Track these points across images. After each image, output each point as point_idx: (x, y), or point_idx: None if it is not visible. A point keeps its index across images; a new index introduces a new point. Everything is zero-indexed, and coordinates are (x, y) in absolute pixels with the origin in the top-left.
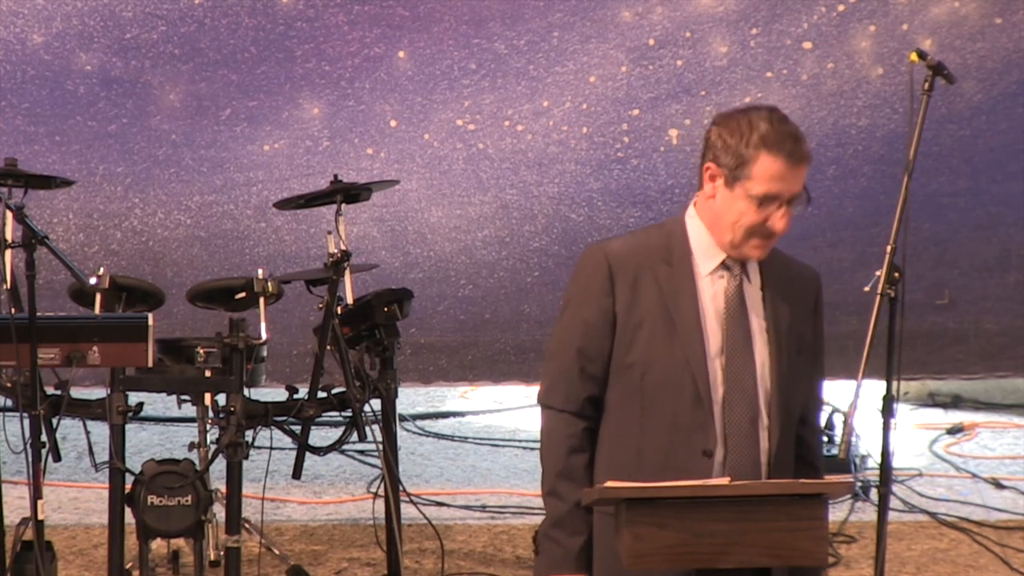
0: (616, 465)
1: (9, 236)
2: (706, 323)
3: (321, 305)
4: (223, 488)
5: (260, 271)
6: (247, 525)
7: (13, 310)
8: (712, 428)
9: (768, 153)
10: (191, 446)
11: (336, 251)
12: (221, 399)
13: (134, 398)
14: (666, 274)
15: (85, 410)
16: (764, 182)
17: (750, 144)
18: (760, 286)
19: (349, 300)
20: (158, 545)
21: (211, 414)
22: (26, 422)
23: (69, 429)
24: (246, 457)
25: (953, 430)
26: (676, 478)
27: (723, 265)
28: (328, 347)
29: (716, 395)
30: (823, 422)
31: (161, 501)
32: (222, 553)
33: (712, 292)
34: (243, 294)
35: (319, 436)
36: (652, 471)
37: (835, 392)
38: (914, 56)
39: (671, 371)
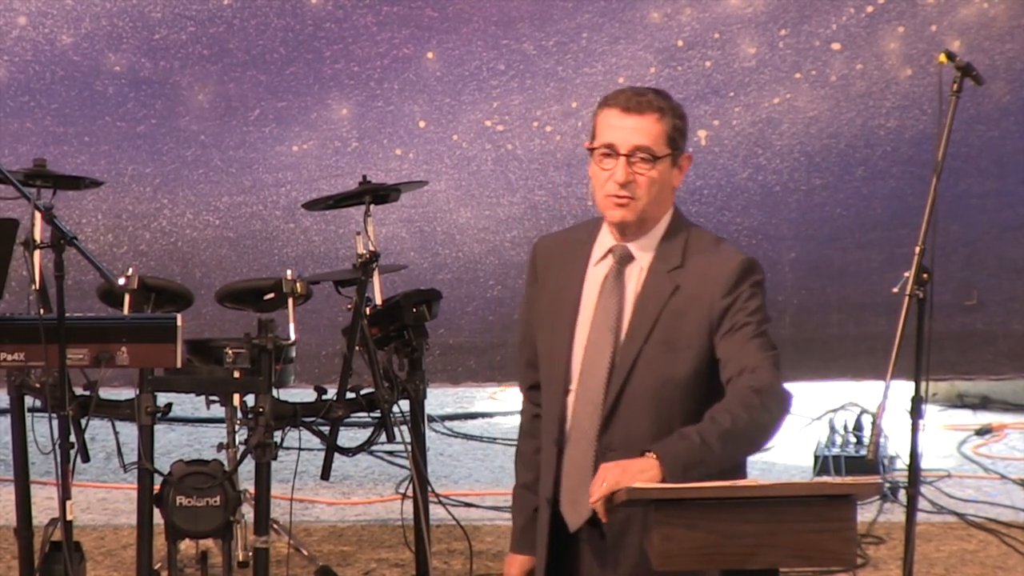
0: (543, 450)
1: (38, 237)
2: (581, 314)
3: (350, 306)
4: (251, 489)
5: (289, 272)
6: (275, 526)
7: (42, 311)
8: (563, 417)
9: (605, 107)
10: (219, 447)
11: (365, 252)
12: (250, 400)
13: (163, 399)
14: (566, 266)
15: (114, 411)
16: (602, 133)
17: (597, 108)
18: (648, 270)
19: (378, 301)
20: (186, 546)
21: (240, 415)
22: (55, 423)
23: (98, 430)
24: (274, 458)
25: (982, 431)
26: (544, 467)
27: (609, 252)
28: (357, 348)
29: (573, 385)
30: (851, 424)
31: (190, 502)
32: (250, 554)
33: (594, 282)
34: (272, 295)
35: (347, 437)
36: (543, 459)
37: (864, 393)
38: (943, 57)
39: (548, 362)
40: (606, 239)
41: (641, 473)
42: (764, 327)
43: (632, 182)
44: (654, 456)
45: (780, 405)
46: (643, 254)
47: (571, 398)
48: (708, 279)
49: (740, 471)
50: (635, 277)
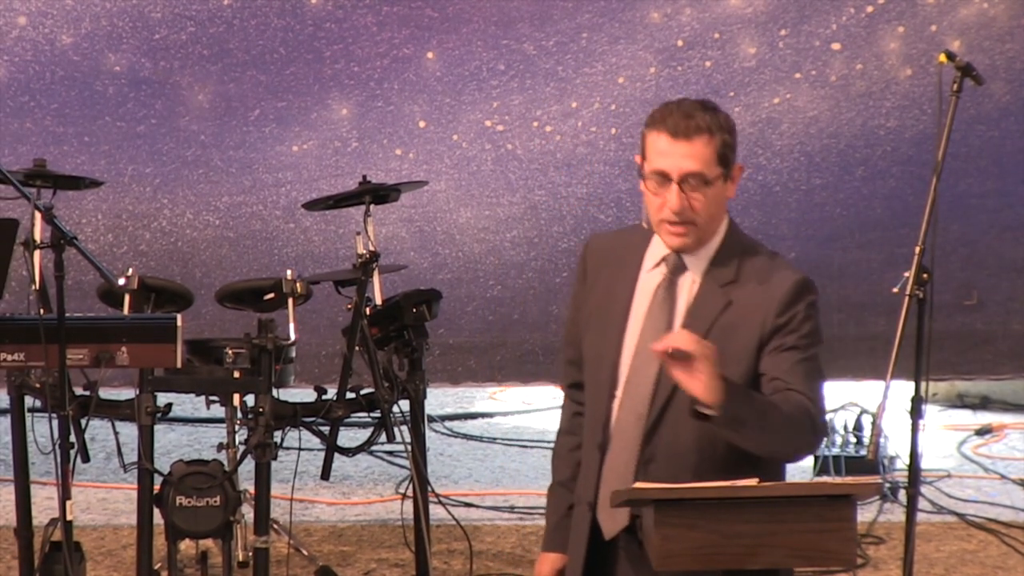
0: (583, 452)
1: (38, 237)
2: (632, 320)
3: (350, 306)
4: (251, 489)
5: (289, 272)
6: (275, 526)
7: (42, 311)
8: (608, 423)
9: (654, 129)
10: (219, 447)
11: (365, 252)
12: (250, 400)
13: (163, 399)
14: (618, 269)
15: (114, 411)
16: (652, 158)
17: (646, 127)
18: (701, 283)
19: (378, 301)
20: (186, 546)
21: (239, 415)
22: (55, 423)
23: (98, 430)
24: (274, 458)
25: (982, 431)
26: (584, 470)
27: (663, 260)
28: (357, 348)
29: (619, 391)
30: (851, 424)
31: (190, 502)
32: (250, 554)
33: (646, 289)
34: (272, 295)
35: (348, 437)
36: (582, 461)
37: (864, 393)
38: (943, 57)
39: (595, 365)
40: (659, 246)
41: (705, 381)
42: (813, 350)
43: (687, 207)
44: (724, 385)
45: (819, 437)
46: (697, 266)
47: (616, 404)
48: (762, 297)
49: (779, 474)
50: (687, 289)
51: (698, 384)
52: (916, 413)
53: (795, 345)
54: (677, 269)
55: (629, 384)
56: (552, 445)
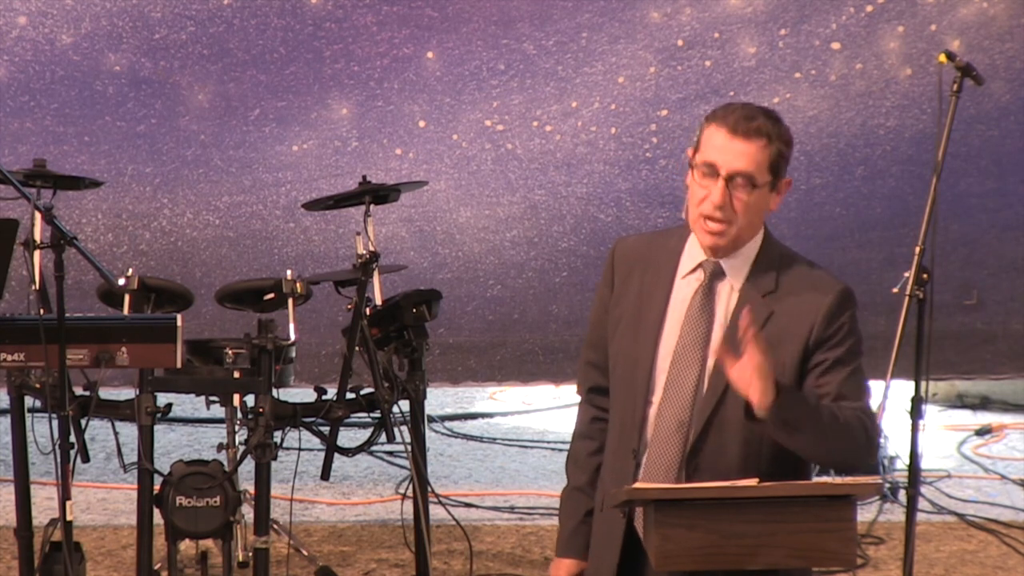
0: (606, 456)
1: (38, 237)
2: (667, 325)
3: (350, 306)
4: (251, 489)
5: (289, 272)
6: (275, 526)
7: (42, 311)
8: (643, 428)
9: (713, 123)
10: (219, 447)
11: (365, 252)
12: (250, 400)
13: (162, 399)
14: (652, 273)
15: (114, 411)
16: (705, 150)
17: (706, 120)
18: (739, 289)
19: (378, 301)
20: (186, 546)
21: (239, 415)
22: (55, 423)
23: (98, 430)
24: (274, 458)
25: (982, 431)
26: (613, 474)
27: (700, 266)
28: (357, 348)
29: (656, 397)
30: None
31: (189, 502)
32: (250, 554)
33: (683, 295)
34: (272, 295)
35: (347, 437)
36: (607, 465)
37: None
38: (942, 57)
39: (627, 369)
40: (696, 251)
41: (759, 385)
42: (858, 362)
43: (728, 205)
44: (776, 388)
45: (874, 451)
46: (735, 273)
47: (652, 410)
48: (805, 309)
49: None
50: (725, 296)
51: (753, 386)
52: (916, 413)
53: (841, 359)
54: (715, 275)
55: (668, 390)
56: (553, 446)
